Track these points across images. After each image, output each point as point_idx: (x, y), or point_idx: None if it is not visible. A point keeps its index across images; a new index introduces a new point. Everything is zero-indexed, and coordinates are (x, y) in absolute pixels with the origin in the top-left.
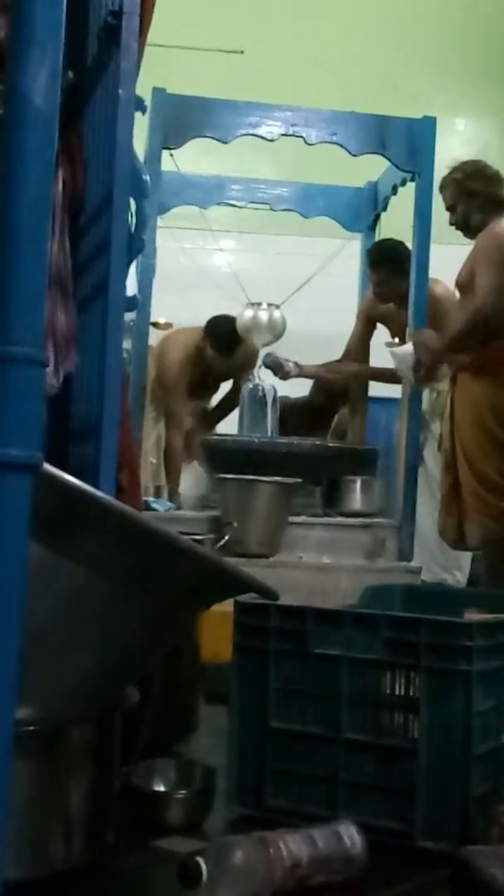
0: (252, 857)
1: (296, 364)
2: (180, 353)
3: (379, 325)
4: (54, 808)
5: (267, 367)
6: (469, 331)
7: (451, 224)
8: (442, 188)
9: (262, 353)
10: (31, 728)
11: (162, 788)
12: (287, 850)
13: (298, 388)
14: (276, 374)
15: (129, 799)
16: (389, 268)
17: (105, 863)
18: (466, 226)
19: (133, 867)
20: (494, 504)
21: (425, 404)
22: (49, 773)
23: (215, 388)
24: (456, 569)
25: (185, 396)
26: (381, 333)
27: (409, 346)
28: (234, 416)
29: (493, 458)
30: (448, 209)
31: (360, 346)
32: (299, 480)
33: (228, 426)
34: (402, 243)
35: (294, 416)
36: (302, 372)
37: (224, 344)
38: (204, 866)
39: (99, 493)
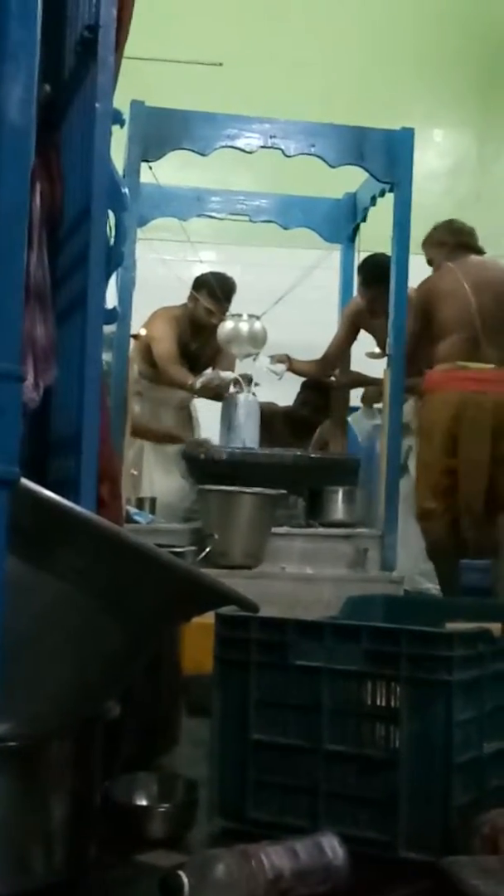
0: (234, 870)
1: (287, 358)
2: (169, 324)
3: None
4: (35, 822)
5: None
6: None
7: None
8: (423, 244)
9: (243, 364)
10: (11, 743)
11: (144, 802)
12: (269, 863)
13: (285, 397)
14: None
15: (110, 813)
16: (383, 285)
17: (87, 877)
18: None
19: (115, 881)
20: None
21: (410, 414)
22: (29, 787)
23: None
24: None
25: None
26: (364, 343)
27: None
28: (217, 427)
29: (422, 476)
30: (428, 263)
31: (340, 351)
32: (282, 492)
33: (211, 438)
34: (390, 258)
35: (278, 423)
36: (292, 366)
37: (220, 289)
38: (186, 880)
39: (77, 508)
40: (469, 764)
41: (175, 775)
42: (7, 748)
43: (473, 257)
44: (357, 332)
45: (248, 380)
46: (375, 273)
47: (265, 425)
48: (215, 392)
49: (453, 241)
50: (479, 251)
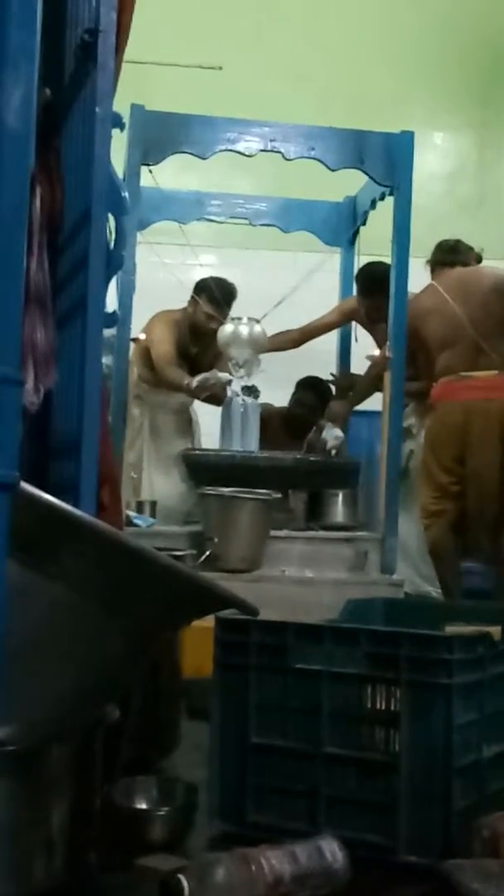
0: (234, 874)
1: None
2: (168, 327)
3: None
4: (35, 827)
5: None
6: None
7: None
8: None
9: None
10: (11, 748)
11: (144, 806)
12: (269, 867)
13: (281, 398)
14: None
15: (110, 817)
16: (380, 294)
17: (87, 882)
18: None
19: (115, 886)
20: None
21: (413, 417)
22: (29, 792)
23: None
24: None
25: (178, 364)
26: (364, 346)
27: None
28: (217, 430)
29: (428, 481)
30: None
31: (321, 329)
32: (279, 496)
33: (211, 441)
34: (389, 266)
35: (274, 423)
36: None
37: (221, 294)
38: (186, 884)
39: (76, 511)
40: (469, 767)
41: (175, 779)
42: (7, 752)
43: (454, 270)
44: (346, 324)
45: (252, 392)
46: (372, 283)
47: (262, 426)
48: (212, 392)
49: (431, 261)
50: (460, 263)
